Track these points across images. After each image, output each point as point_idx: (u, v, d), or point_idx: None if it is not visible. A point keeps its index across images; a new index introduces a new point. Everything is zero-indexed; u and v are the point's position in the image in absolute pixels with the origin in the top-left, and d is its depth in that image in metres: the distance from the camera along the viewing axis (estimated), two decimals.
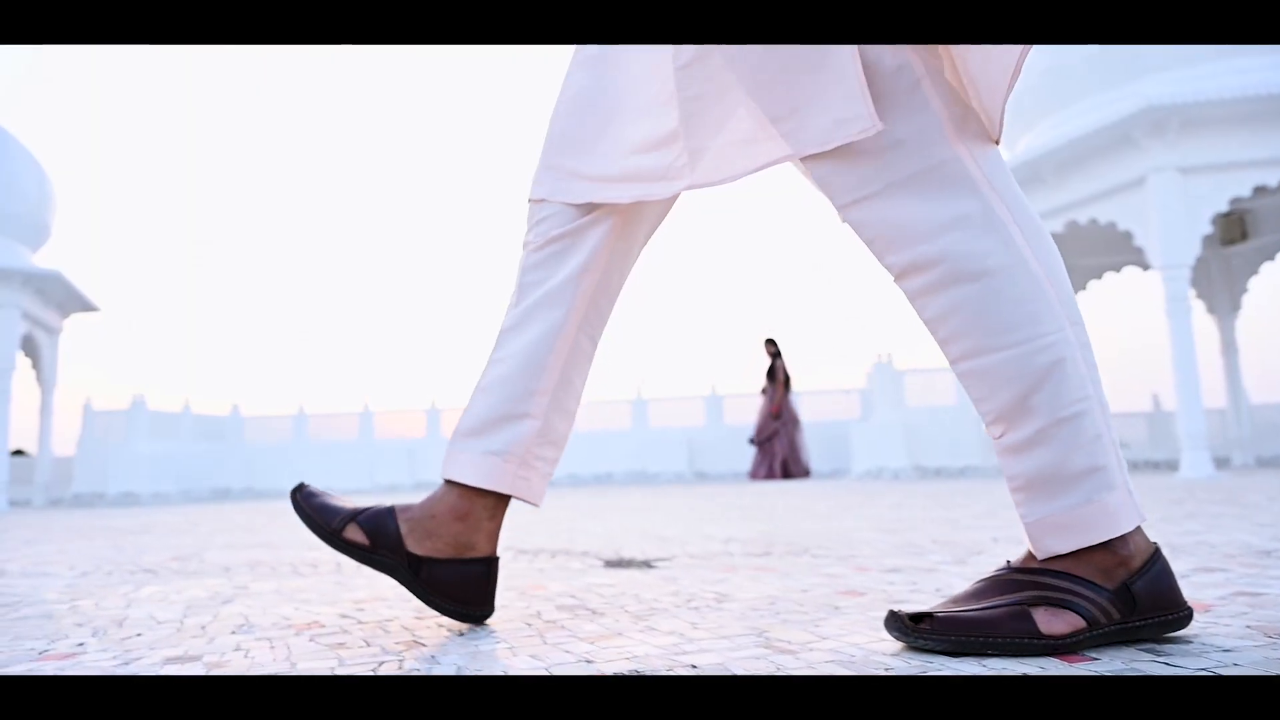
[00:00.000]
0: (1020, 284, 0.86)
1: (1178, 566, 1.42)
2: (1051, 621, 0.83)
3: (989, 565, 1.57)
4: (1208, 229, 6.69)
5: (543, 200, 1.09)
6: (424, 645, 0.98)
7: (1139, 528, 0.87)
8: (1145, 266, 9.53)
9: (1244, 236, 9.20)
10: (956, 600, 0.90)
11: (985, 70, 0.87)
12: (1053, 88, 7.71)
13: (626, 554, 1.99)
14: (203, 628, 1.13)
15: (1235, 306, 9.84)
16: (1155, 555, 0.87)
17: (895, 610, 0.87)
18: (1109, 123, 6.71)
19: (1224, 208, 6.69)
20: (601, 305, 1.13)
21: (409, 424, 13.11)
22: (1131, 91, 6.99)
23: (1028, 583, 0.86)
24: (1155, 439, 10.84)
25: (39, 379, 11.31)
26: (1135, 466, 10.02)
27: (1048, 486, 0.86)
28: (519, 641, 0.97)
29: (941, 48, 0.92)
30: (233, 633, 1.09)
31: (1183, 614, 0.86)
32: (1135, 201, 6.99)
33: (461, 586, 1.08)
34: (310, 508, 1.10)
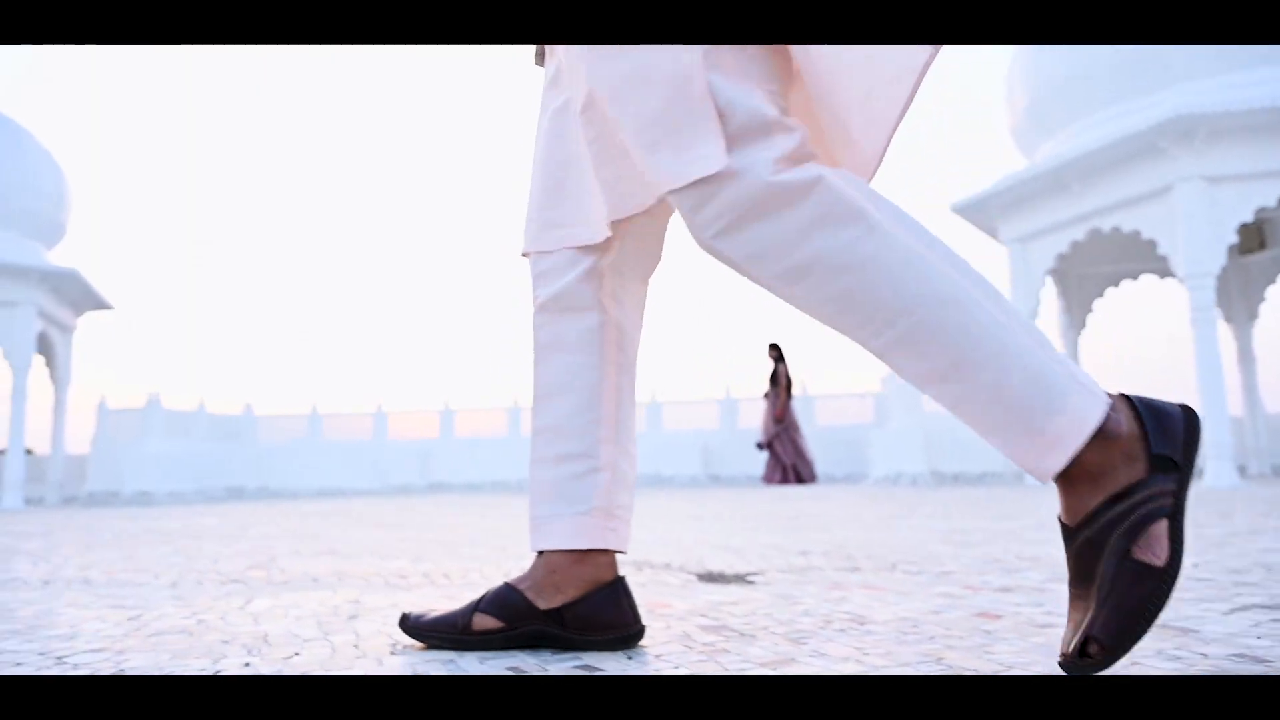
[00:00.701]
0: (895, 255, 0.86)
1: None
2: (1153, 549, 0.81)
3: None
4: (1233, 238, 6.71)
5: (529, 253, 1.16)
6: (599, 669, 0.98)
7: (1110, 400, 0.85)
8: (1163, 274, 9.54)
9: (1262, 246, 9.22)
10: (1090, 599, 0.84)
11: (868, 104, 0.90)
12: (1076, 95, 7.73)
13: (712, 567, 1.99)
14: (355, 647, 1.14)
15: (1252, 315, 9.86)
16: (1137, 410, 0.85)
17: (1064, 659, 0.83)
18: (1136, 131, 6.73)
19: (1249, 217, 6.71)
20: (627, 348, 1.17)
21: (422, 425, 13.13)
22: (1158, 100, 7.02)
23: (1102, 529, 0.83)
24: None
25: (53, 377, 11.31)
26: None
27: (1009, 421, 0.84)
28: (696, 667, 0.98)
29: (804, 86, 0.96)
30: (393, 653, 1.09)
31: (1191, 419, 0.85)
32: (1160, 210, 7.00)
33: (603, 615, 1.09)
34: (426, 627, 1.13)
